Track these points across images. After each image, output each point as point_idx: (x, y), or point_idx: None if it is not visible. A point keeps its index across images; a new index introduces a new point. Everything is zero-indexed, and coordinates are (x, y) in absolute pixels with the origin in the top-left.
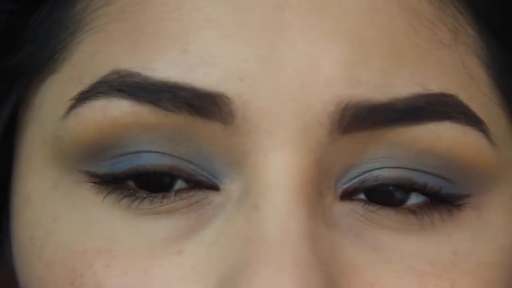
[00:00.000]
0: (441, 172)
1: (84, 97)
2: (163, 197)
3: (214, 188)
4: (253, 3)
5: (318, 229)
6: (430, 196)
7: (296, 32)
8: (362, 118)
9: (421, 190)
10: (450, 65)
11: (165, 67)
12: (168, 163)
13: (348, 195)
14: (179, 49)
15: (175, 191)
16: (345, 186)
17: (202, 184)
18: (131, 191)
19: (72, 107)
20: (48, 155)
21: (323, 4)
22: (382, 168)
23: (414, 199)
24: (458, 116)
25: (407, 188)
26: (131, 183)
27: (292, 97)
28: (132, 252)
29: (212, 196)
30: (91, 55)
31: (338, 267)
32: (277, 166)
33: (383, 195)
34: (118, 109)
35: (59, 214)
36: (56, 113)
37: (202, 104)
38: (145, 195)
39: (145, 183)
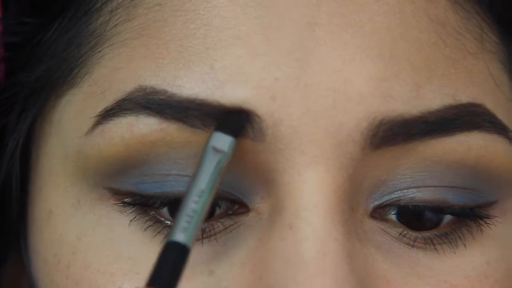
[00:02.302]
0: (470, 184)
1: (110, 114)
2: None
3: (244, 206)
4: (283, 21)
5: (353, 246)
6: (460, 213)
7: (328, 49)
8: (395, 133)
9: (453, 209)
10: (477, 74)
11: (192, 84)
12: None
13: (379, 213)
14: (206, 66)
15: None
16: (377, 203)
17: (233, 202)
18: (157, 219)
19: (98, 124)
20: (70, 170)
21: (354, 20)
22: (417, 188)
23: (446, 217)
24: (486, 125)
25: (442, 210)
26: (157, 208)
27: (325, 115)
28: None
29: (242, 217)
30: (114, 70)
31: (372, 282)
32: (311, 184)
33: (416, 215)
34: (145, 127)
35: (84, 232)
36: (79, 129)
37: None
38: (170, 224)
39: (173, 206)
